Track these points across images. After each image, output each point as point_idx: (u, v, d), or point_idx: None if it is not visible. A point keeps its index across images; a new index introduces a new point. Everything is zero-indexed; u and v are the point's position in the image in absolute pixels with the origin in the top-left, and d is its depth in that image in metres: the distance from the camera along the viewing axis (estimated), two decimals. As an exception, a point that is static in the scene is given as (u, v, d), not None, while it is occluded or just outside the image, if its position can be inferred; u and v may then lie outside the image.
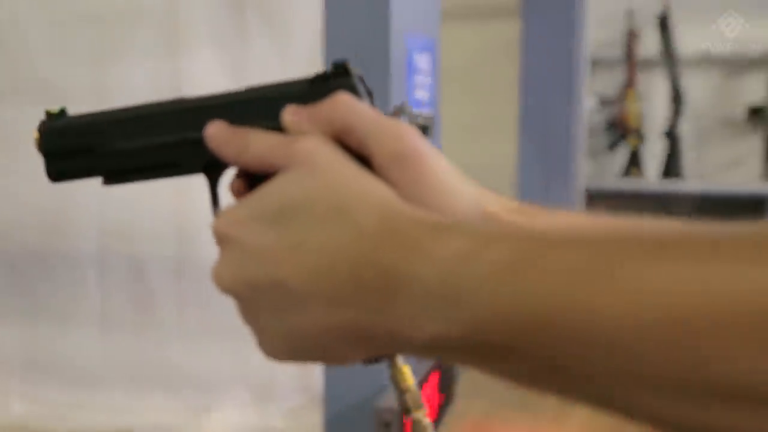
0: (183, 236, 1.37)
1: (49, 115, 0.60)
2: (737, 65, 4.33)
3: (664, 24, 4.22)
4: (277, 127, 0.54)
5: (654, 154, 4.47)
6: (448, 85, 1.73)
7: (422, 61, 1.42)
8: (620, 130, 4.47)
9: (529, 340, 0.39)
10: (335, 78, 0.55)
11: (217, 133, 0.54)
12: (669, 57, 4.24)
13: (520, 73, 2.90)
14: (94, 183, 1.41)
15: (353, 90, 0.54)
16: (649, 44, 4.35)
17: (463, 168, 0.53)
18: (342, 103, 0.52)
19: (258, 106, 0.55)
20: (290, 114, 0.53)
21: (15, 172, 1.38)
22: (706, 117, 4.44)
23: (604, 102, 4.46)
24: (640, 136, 4.45)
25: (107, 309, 1.42)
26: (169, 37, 1.44)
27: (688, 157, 4.40)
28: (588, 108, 3.78)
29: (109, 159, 0.59)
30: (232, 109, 0.56)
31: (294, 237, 0.47)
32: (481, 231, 0.44)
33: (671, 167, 4.38)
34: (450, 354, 0.44)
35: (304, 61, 1.52)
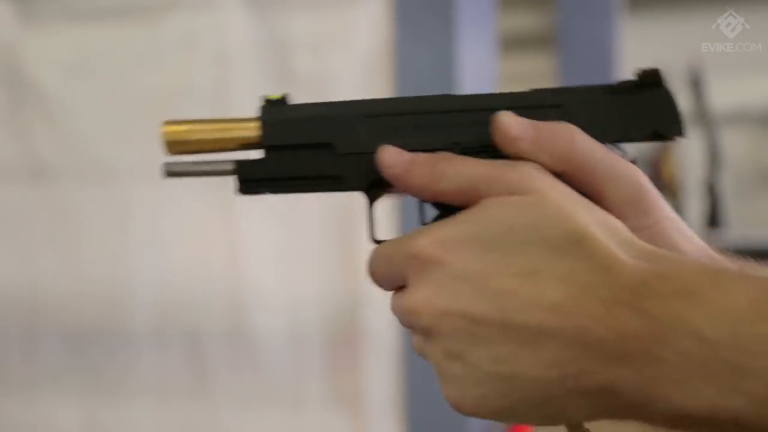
0: (236, 306, 1.40)
1: (271, 101, 0.51)
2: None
3: (696, 82, 4.24)
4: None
5: (694, 208, 4.45)
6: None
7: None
8: (657, 187, 4.46)
9: None
10: (644, 89, 0.46)
11: (396, 161, 0.46)
12: (703, 114, 4.25)
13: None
14: (152, 254, 1.44)
15: (670, 106, 0.46)
16: (682, 102, 4.37)
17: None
18: (581, 140, 0.45)
19: (535, 113, 0.46)
20: (517, 127, 0.45)
21: (75, 246, 1.43)
22: (745, 171, 4.43)
23: (641, 161, 4.47)
24: (675, 193, 4.45)
25: (163, 378, 1.45)
26: (219, 114, 1.47)
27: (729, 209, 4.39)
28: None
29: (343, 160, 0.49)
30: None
31: (526, 265, 0.40)
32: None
33: (713, 219, 4.37)
34: (713, 430, 0.37)
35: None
